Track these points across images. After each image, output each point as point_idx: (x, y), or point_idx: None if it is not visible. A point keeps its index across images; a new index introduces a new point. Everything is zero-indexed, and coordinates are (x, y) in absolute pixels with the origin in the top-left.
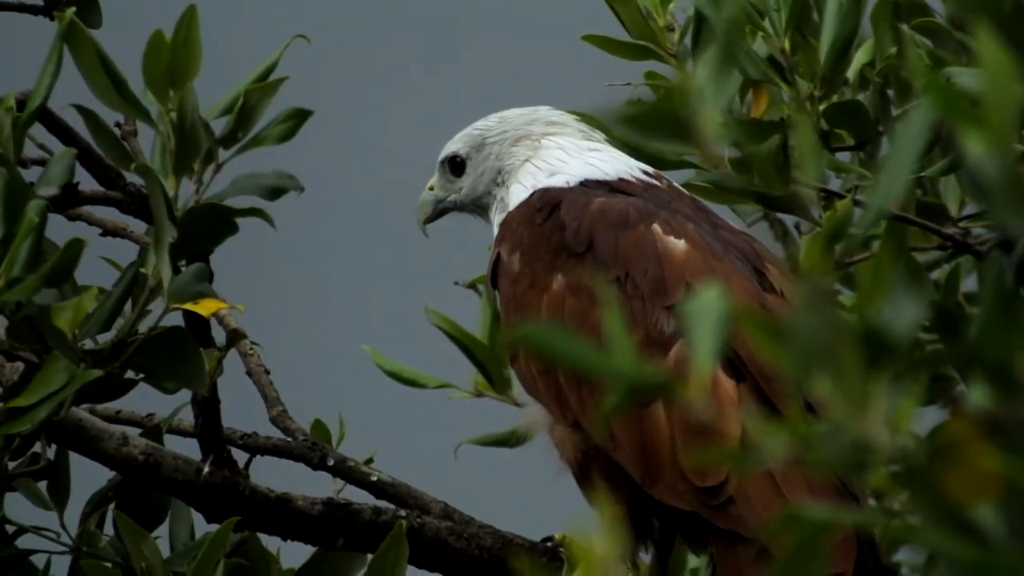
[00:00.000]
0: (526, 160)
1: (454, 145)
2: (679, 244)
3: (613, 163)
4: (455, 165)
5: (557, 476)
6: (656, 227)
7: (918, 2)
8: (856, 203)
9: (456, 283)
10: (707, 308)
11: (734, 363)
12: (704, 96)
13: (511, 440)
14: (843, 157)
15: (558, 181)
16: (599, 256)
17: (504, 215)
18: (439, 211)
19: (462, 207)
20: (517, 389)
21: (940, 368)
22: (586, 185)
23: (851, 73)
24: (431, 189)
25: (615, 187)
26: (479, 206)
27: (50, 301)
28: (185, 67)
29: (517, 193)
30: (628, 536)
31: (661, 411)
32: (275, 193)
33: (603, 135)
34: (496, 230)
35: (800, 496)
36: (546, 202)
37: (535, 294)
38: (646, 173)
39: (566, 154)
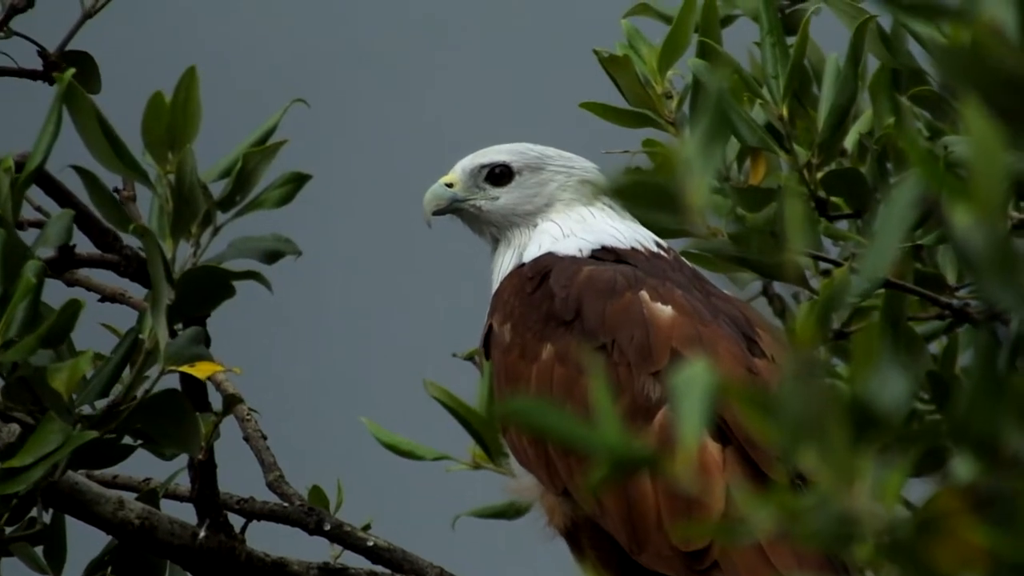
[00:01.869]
0: (570, 207)
1: (502, 156)
2: (666, 310)
3: (631, 233)
4: (497, 175)
5: (549, 542)
6: (643, 294)
7: (917, 70)
8: (853, 271)
9: (454, 355)
10: (695, 381)
11: (720, 427)
12: (692, 166)
13: (509, 512)
14: (841, 225)
15: (570, 246)
16: (587, 324)
17: (511, 256)
18: (452, 208)
19: (485, 218)
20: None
21: (934, 440)
22: (597, 253)
23: (849, 142)
24: (449, 186)
25: (622, 256)
26: (508, 223)
27: (46, 363)
28: (184, 129)
29: (537, 242)
30: None
31: (646, 478)
32: (273, 257)
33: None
34: (497, 260)
35: (788, 563)
36: (537, 271)
37: (525, 364)
38: (658, 245)
39: (594, 217)
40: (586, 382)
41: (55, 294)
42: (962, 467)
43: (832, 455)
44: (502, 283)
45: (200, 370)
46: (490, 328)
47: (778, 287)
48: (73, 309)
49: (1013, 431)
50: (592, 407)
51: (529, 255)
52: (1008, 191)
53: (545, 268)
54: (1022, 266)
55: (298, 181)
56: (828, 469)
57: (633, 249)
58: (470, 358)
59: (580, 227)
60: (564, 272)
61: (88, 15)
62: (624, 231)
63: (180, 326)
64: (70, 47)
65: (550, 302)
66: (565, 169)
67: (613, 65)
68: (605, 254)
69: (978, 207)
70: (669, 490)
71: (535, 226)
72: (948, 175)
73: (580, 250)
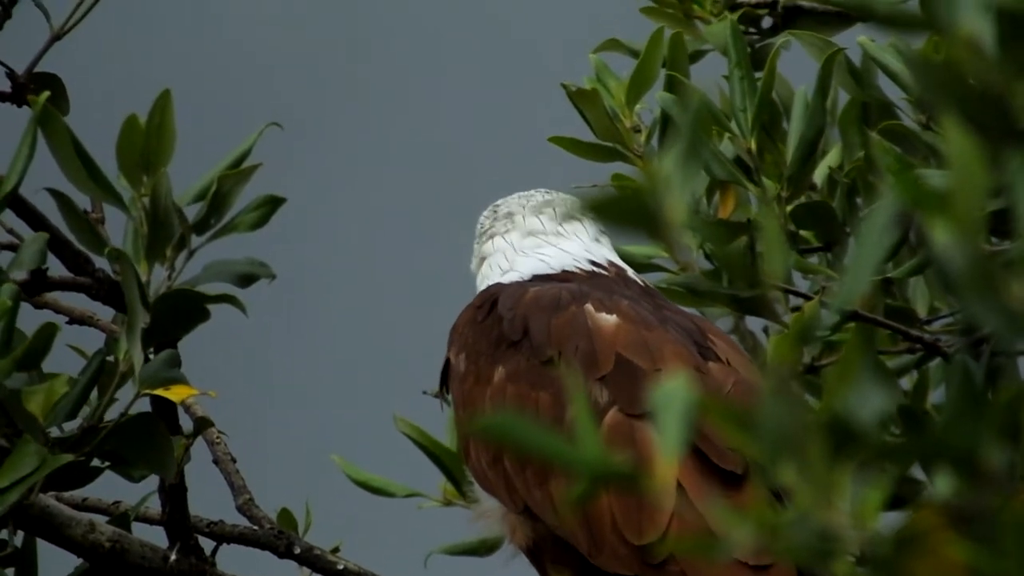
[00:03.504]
0: (495, 252)
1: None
2: (610, 319)
3: (560, 257)
4: None
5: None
6: (588, 306)
7: (886, 103)
8: (823, 305)
9: (425, 392)
10: (673, 398)
11: None
12: (671, 186)
13: (480, 549)
14: (810, 259)
15: (511, 279)
16: (534, 340)
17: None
18: None
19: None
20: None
21: (908, 463)
22: (534, 280)
23: (819, 176)
24: None
25: (558, 279)
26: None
27: (20, 385)
28: (159, 152)
29: (485, 280)
30: None
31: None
32: (247, 280)
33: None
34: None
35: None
36: (486, 299)
37: (480, 389)
38: (593, 263)
39: (514, 253)
40: (538, 397)
41: (22, 316)
42: (941, 484)
43: (811, 471)
44: (457, 317)
45: (175, 393)
46: (447, 361)
47: (749, 323)
48: (48, 332)
49: (992, 447)
50: (545, 422)
51: (479, 289)
52: (987, 210)
53: (493, 296)
54: (1002, 284)
55: (272, 204)
56: (807, 485)
57: (564, 271)
58: (440, 395)
59: (514, 263)
60: (511, 296)
61: (56, 37)
62: (552, 257)
63: (152, 350)
64: (39, 69)
65: (499, 326)
66: (479, 233)
67: (581, 99)
68: (543, 280)
69: (958, 224)
70: (619, 490)
71: (483, 268)
72: (927, 192)
73: (522, 278)
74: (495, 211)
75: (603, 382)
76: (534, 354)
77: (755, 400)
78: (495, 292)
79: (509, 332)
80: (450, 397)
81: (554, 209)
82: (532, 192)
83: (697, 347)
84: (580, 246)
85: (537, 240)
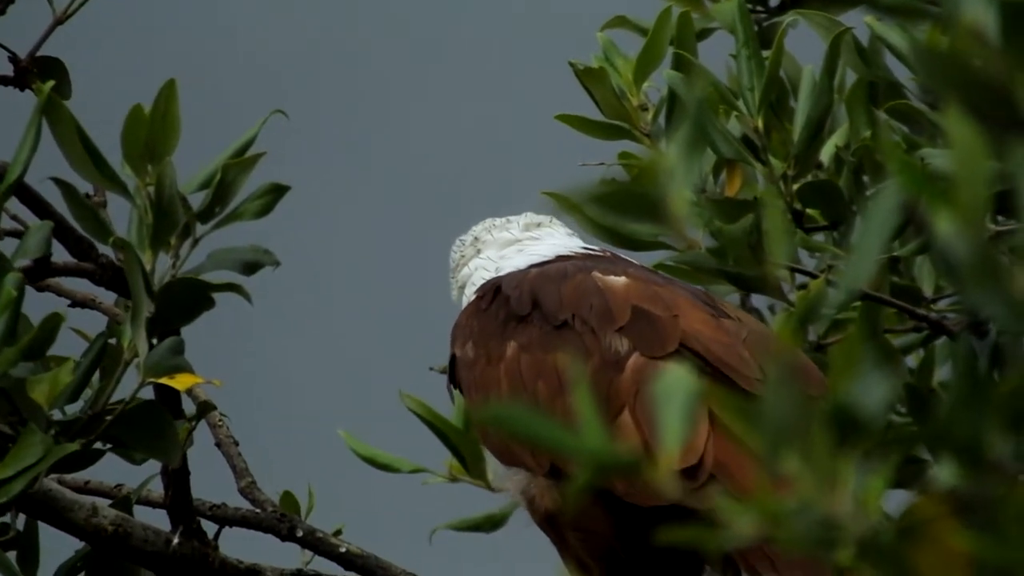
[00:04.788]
0: (476, 269)
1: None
2: (619, 279)
3: (549, 249)
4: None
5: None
6: (595, 273)
7: (894, 83)
8: (829, 283)
9: (431, 368)
10: (676, 387)
11: (691, 360)
12: (675, 175)
13: (485, 525)
14: (817, 237)
15: (510, 267)
16: (545, 309)
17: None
18: None
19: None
20: (491, 475)
21: (912, 448)
22: (530, 268)
23: (825, 155)
24: None
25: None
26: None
27: (26, 374)
28: (164, 141)
29: (470, 294)
30: None
31: (628, 417)
32: (251, 268)
33: (550, 219)
34: None
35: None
36: (487, 289)
37: (493, 369)
38: (584, 248)
39: (497, 260)
40: (555, 360)
41: (24, 298)
42: (944, 472)
43: (814, 460)
44: (458, 317)
45: (180, 382)
46: (453, 357)
47: (755, 301)
48: (54, 323)
49: (995, 436)
50: (565, 386)
51: (474, 285)
52: (990, 198)
53: (494, 284)
54: (1004, 273)
55: (277, 192)
56: (810, 474)
57: (558, 256)
58: (447, 371)
59: (501, 266)
60: (513, 279)
61: (59, 21)
62: (545, 248)
63: (156, 337)
64: (41, 53)
65: (506, 306)
66: (457, 259)
67: (589, 77)
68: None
69: (960, 213)
70: (650, 419)
71: (466, 291)
72: (930, 181)
73: (518, 268)
74: (462, 243)
75: (621, 332)
76: (546, 321)
77: (770, 348)
78: (495, 282)
79: (517, 308)
80: (457, 392)
81: (518, 223)
82: (490, 220)
83: (708, 306)
84: (561, 240)
85: (517, 245)
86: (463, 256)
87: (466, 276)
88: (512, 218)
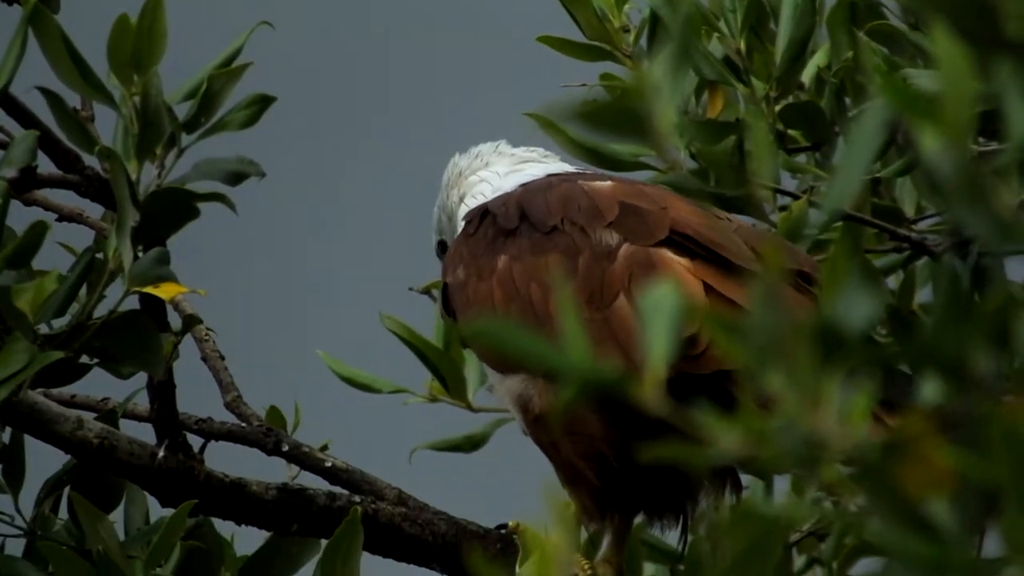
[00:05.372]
0: (461, 200)
1: (434, 236)
2: (605, 183)
3: (543, 169)
4: (445, 247)
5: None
6: (580, 181)
7: (874, 4)
8: (811, 204)
9: (411, 288)
10: (662, 304)
11: (682, 245)
12: (660, 92)
13: (466, 445)
14: (799, 158)
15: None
16: (534, 219)
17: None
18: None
19: None
20: (472, 392)
21: (894, 365)
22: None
23: (807, 76)
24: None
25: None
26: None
27: (10, 283)
28: (150, 52)
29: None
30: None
31: (623, 300)
32: (236, 179)
33: (537, 150)
34: None
35: None
36: (474, 215)
37: (484, 284)
38: (576, 168)
39: (501, 178)
40: (547, 262)
41: (12, 213)
42: (929, 390)
43: (799, 377)
44: (448, 250)
45: (164, 291)
46: (445, 286)
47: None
48: (39, 231)
49: (978, 354)
50: (557, 291)
51: (475, 198)
52: (975, 116)
53: (480, 209)
54: (989, 191)
55: (263, 103)
56: (795, 391)
57: (548, 175)
58: (427, 292)
59: (499, 187)
60: (499, 199)
61: None
62: (538, 171)
63: (141, 247)
64: None
65: (493, 224)
66: (443, 196)
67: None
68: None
69: (946, 131)
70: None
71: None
72: (916, 99)
73: (506, 191)
74: (457, 161)
75: (611, 227)
76: (535, 230)
77: (760, 240)
78: (481, 207)
79: (505, 223)
80: (450, 319)
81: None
82: (496, 143)
83: (697, 206)
84: (556, 167)
85: (522, 166)
86: (469, 168)
87: (471, 184)
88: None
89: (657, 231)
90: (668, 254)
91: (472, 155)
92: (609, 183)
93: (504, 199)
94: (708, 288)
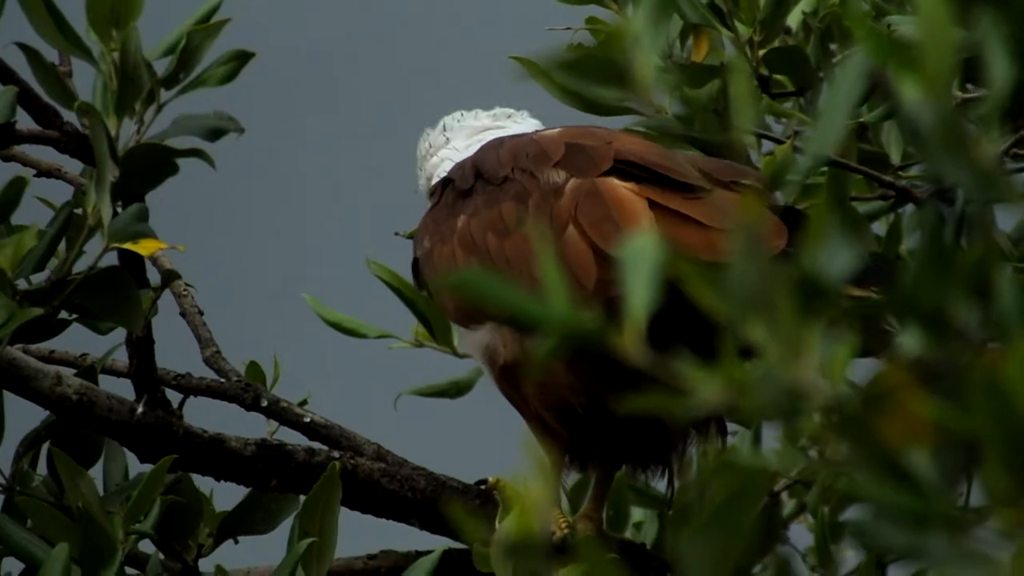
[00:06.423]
0: (428, 181)
1: (421, 182)
2: (554, 131)
3: (508, 132)
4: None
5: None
6: (531, 135)
7: None
8: (796, 149)
9: (397, 234)
10: (641, 255)
11: (627, 172)
12: (641, 41)
13: (451, 391)
14: (784, 104)
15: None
16: (487, 175)
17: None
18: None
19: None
20: (458, 338)
21: (877, 315)
22: None
23: (793, 21)
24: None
25: None
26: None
27: None
28: (128, 7)
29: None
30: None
31: (573, 230)
32: (215, 134)
33: (506, 110)
34: None
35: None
36: (437, 187)
37: (447, 246)
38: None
39: (455, 157)
40: (500, 211)
41: None
42: (909, 341)
43: (779, 328)
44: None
45: (144, 247)
46: (415, 260)
47: None
48: (18, 186)
49: (960, 304)
50: (511, 238)
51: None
52: (957, 65)
53: (444, 179)
54: (970, 141)
55: (242, 59)
56: (775, 342)
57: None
58: (412, 237)
59: (474, 149)
60: (457, 167)
61: None
62: (493, 132)
63: (120, 203)
64: None
65: (453, 190)
66: (424, 140)
67: None
68: None
69: (927, 81)
70: (593, 224)
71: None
72: (896, 48)
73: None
74: (429, 134)
75: (557, 166)
76: (488, 183)
77: (715, 167)
78: (446, 177)
79: (462, 185)
80: (425, 292)
81: (488, 114)
82: (459, 112)
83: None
84: (526, 127)
85: (484, 134)
86: (431, 146)
87: (434, 166)
88: (480, 111)
89: (602, 163)
90: (612, 181)
91: (438, 130)
92: (558, 130)
93: (459, 167)
94: (653, 203)
